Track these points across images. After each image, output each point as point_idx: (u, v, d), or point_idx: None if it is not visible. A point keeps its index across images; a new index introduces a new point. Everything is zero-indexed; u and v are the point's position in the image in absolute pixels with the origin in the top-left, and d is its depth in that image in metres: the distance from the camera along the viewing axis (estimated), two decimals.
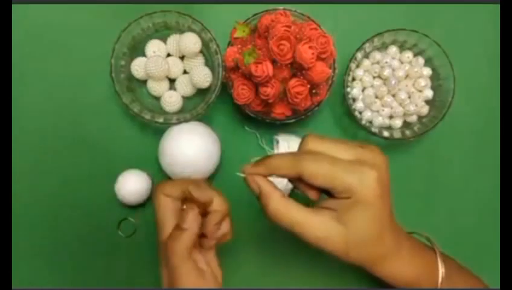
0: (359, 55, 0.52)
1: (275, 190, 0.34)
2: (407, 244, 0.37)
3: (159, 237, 0.39)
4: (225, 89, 0.50)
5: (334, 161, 0.32)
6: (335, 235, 0.32)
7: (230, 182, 0.54)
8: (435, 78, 0.53)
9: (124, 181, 0.50)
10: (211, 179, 0.52)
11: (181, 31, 0.52)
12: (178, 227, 0.37)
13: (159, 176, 0.53)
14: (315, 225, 0.33)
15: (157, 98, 0.53)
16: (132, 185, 0.50)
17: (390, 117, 0.53)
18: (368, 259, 0.34)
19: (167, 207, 0.39)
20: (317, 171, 0.32)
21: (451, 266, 0.40)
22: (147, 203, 0.53)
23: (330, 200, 0.34)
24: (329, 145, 0.34)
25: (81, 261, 0.53)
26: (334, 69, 0.49)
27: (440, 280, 0.37)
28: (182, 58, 0.53)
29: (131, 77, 0.52)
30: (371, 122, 0.53)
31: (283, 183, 0.47)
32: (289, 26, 0.44)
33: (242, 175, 0.36)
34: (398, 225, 0.36)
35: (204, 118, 0.54)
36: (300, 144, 0.36)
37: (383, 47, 0.54)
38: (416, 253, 0.37)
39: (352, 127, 0.55)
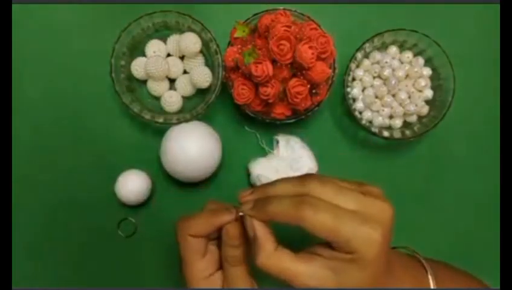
0: (359, 55, 0.52)
1: (268, 241, 0.33)
2: (400, 270, 0.35)
3: (185, 273, 0.37)
4: (225, 89, 0.50)
5: (337, 214, 0.30)
6: (327, 284, 0.31)
7: (230, 181, 0.54)
8: (435, 78, 0.53)
9: (124, 181, 0.50)
10: (212, 178, 0.52)
11: (181, 31, 0.52)
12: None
13: (159, 176, 0.53)
14: (307, 274, 0.31)
15: (157, 98, 0.53)
16: (132, 185, 0.50)
17: (390, 117, 0.53)
18: None
19: (194, 248, 0.36)
20: (320, 225, 0.30)
21: (442, 274, 0.39)
22: (147, 203, 0.53)
23: (325, 249, 0.32)
24: (331, 193, 0.31)
25: (81, 261, 0.53)
26: (334, 69, 0.49)
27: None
28: (182, 58, 0.53)
29: (131, 77, 0.52)
30: (371, 122, 0.53)
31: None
32: (289, 26, 0.44)
33: (240, 213, 0.35)
34: (391, 255, 0.34)
35: (204, 118, 0.54)
36: (300, 182, 0.33)
37: (383, 47, 0.54)
38: (408, 275, 0.36)
39: (352, 127, 0.55)
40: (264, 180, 0.50)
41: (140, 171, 0.52)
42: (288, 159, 0.52)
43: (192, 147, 0.48)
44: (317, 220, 0.30)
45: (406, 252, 0.40)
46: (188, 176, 0.49)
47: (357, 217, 0.30)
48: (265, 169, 0.51)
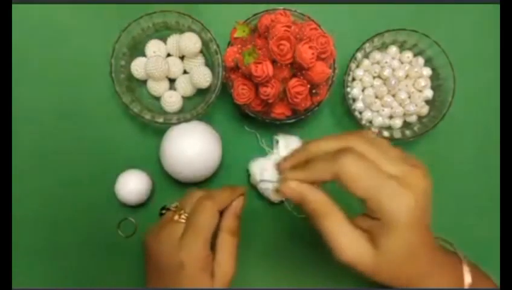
0: (359, 55, 0.52)
1: (328, 203, 0.32)
2: (439, 261, 0.35)
3: (198, 243, 0.38)
4: (225, 89, 0.50)
5: (375, 173, 0.30)
6: (366, 257, 0.31)
7: (230, 181, 0.54)
8: (435, 78, 0.53)
9: (124, 181, 0.50)
10: (212, 178, 0.52)
11: (181, 31, 0.52)
12: None
13: (160, 176, 0.53)
14: (347, 244, 0.31)
15: (157, 98, 0.53)
16: (132, 185, 0.50)
17: (390, 117, 0.53)
18: (394, 282, 0.32)
19: (214, 223, 0.39)
20: (356, 179, 0.29)
21: (478, 276, 0.39)
22: (147, 203, 0.53)
23: (363, 219, 0.32)
24: (375, 153, 0.31)
25: (81, 261, 0.53)
26: (334, 69, 0.49)
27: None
28: (182, 58, 0.53)
29: (131, 77, 0.52)
30: (371, 122, 0.53)
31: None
32: (289, 26, 0.44)
33: (283, 188, 0.32)
34: (433, 244, 0.34)
35: (204, 118, 0.54)
36: (345, 138, 0.31)
37: (383, 47, 0.54)
38: (446, 270, 0.35)
39: (352, 127, 0.55)
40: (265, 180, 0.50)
41: (140, 171, 0.51)
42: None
43: (191, 147, 0.48)
44: (355, 174, 0.29)
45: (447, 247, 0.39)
46: (187, 176, 0.49)
47: (393, 181, 0.30)
48: (265, 169, 0.51)
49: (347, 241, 0.31)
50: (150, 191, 0.52)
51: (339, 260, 0.31)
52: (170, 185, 0.53)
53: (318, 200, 0.31)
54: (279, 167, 0.35)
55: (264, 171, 0.50)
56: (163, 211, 0.43)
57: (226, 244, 0.40)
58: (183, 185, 0.52)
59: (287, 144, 0.52)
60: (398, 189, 0.30)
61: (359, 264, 0.31)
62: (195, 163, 0.48)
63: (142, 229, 0.53)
